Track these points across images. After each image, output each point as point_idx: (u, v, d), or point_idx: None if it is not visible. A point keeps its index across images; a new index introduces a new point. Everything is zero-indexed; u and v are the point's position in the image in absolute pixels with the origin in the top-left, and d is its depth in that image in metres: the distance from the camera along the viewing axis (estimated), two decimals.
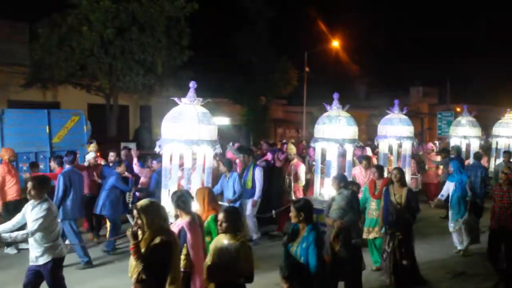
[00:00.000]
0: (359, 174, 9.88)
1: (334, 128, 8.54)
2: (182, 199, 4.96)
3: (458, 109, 27.92)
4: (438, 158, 12.72)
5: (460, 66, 33.85)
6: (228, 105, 25.60)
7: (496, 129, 13.81)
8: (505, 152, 10.05)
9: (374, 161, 11.65)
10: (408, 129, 10.26)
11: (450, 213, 8.72)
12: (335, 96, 8.88)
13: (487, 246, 7.27)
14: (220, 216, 4.34)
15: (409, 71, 35.69)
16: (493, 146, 13.77)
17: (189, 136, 6.59)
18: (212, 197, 5.50)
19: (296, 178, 10.01)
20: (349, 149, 8.75)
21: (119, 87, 16.79)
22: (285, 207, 9.25)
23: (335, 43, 27.25)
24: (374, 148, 12.62)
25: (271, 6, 24.96)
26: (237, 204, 8.26)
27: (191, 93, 6.91)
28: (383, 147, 10.37)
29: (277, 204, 9.89)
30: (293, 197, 9.74)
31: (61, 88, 17.72)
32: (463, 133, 12.20)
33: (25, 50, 16.94)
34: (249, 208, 9.10)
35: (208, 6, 18.76)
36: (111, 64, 15.65)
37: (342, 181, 6.59)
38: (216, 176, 9.44)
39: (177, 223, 4.97)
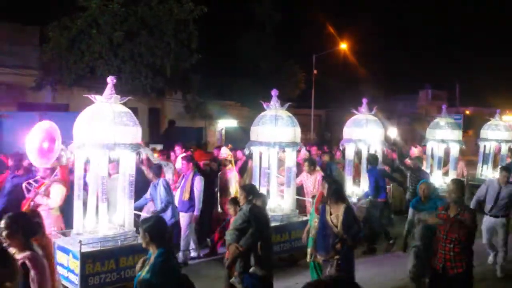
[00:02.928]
0: (306, 180, 8.62)
1: (269, 130, 7.29)
2: (22, 224, 3.47)
3: (467, 112, 27.78)
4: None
5: (470, 68, 33.65)
6: (235, 108, 25.67)
7: (485, 132, 12.35)
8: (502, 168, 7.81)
9: None
10: (377, 132, 9.17)
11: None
12: (274, 93, 7.72)
13: None
14: None
15: (418, 74, 35.58)
16: (481, 150, 12.33)
17: (104, 139, 5.64)
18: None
19: (225, 187, 8.40)
20: (289, 153, 7.54)
21: (128, 89, 16.87)
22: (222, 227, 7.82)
23: (343, 46, 27.23)
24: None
25: (278, 9, 25.04)
26: (168, 215, 7.06)
27: (109, 89, 5.93)
28: (349, 153, 9.24)
29: (209, 219, 8.58)
30: (220, 211, 8.45)
31: (71, 91, 17.84)
32: (442, 136, 10.58)
33: (35, 53, 17.08)
34: (185, 224, 7.67)
35: (216, 9, 18.84)
36: (120, 67, 15.73)
37: (251, 194, 5.48)
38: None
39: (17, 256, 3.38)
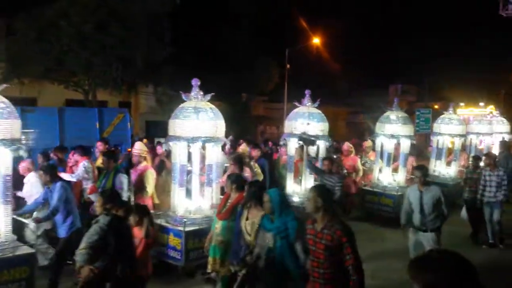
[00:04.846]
0: None
1: (189, 123, 6.44)
2: None
3: (436, 106, 28.38)
4: (372, 158, 10.68)
5: (440, 64, 34.36)
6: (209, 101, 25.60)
7: (438, 126, 11.87)
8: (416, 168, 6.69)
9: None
10: (319, 126, 8.39)
11: None
12: (194, 82, 6.80)
13: None
14: None
15: (390, 69, 36.16)
16: (434, 145, 11.98)
17: None
18: None
19: (141, 187, 7.41)
20: (210, 149, 6.71)
21: (98, 82, 16.62)
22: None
23: (316, 41, 27.39)
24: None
25: (253, 3, 25.00)
26: (67, 223, 6.04)
27: None
28: (291, 148, 8.55)
29: None
30: None
31: (39, 84, 17.45)
32: (392, 131, 9.88)
33: (1, 45, 16.63)
34: None
35: (190, 2, 18.70)
36: (89, 60, 15.46)
37: (110, 201, 4.58)
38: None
39: None
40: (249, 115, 27.36)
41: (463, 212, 9.05)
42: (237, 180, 5.60)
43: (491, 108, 22.77)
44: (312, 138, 8.03)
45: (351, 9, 42.37)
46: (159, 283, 6.12)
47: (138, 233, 4.80)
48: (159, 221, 6.66)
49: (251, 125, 27.63)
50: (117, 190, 5.68)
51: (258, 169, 8.53)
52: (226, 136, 7.26)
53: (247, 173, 7.49)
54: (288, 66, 26.14)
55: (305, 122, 8.23)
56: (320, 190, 3.99)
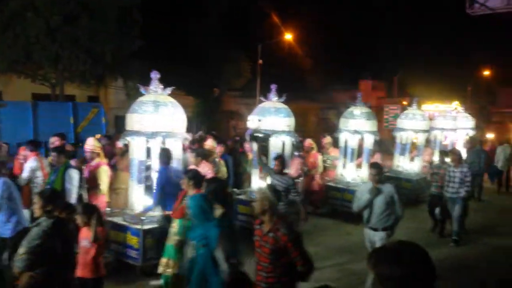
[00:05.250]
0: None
1: (148, 118, 6.14)
2: None
3: (405, 102, 28.91)
4: (333, 154, 10.59)
5: (409, 61, 34.91)
6: (179, 97, 25.36)
7: (401, 121, 11.90)
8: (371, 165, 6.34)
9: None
10: (285, 121, 8.21)
11: None
12: (153, 75, 6.51)
13: None
14: None
15: (361, 65, 36.52)
16: (398, 141, 12.00)
17: None
18: None
19: (94, 184, 7.00)
20: (170, 144, 6.41)
21: (65, 76, 16.29)
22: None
23: (289, 36, 27.47)
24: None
25: None
26: (12, 222, 5.66)
27: None
28: (255, 144, 8.14)
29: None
30: None
31: (4, 77, 17.00)
32: (356, 126, 9.78)
33: None
34: None
35: None
36: (57, 52, 15.12)
37: (50, 203, 4.25)
38: None
39: None
40: (221, 110, 27.28)
41: (437, 211, 9.15)
42: (194, 177, 5.25)
43: (456, 104, 23.28)
44: (264, 136, 7.92)
45: (323, 5, 42.61)
46: (116, 284, 5.97)
47: (88, 234, 4.55)
48: (116, 219, 6.47)
49: (223, 120, 27.58)
50: (57, 190, 5.42)
51: (223, 167, 8.45)
52: (196, 131, 7.17)
53: (208, 169, 7.36)
54: (260, 61, 26.15)
55: (256, 118, 8.13)
56: (268, 192, 3.93)
